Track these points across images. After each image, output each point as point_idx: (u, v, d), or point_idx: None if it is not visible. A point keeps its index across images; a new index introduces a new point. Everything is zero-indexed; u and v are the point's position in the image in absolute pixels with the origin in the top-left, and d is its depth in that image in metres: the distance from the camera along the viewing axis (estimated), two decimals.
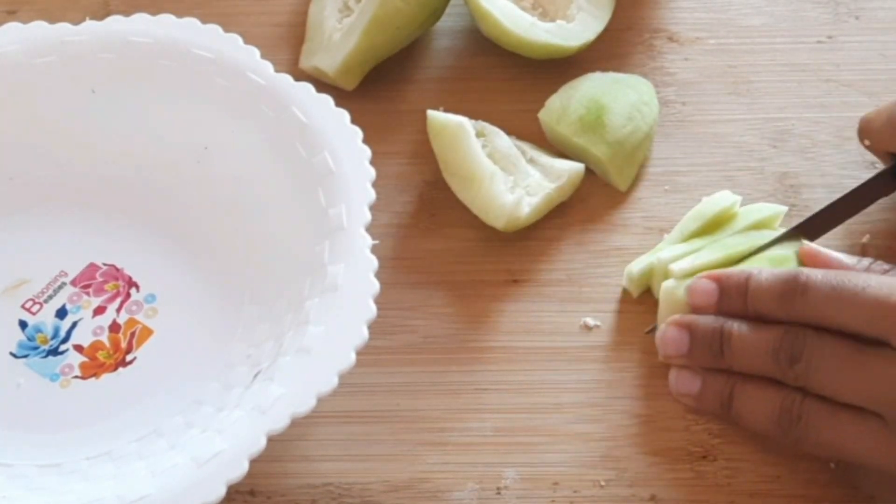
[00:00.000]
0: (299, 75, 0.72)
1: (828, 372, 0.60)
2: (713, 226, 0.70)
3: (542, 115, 0.74)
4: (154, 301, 0.68)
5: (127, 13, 0.73)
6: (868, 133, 0.70)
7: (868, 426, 0.59)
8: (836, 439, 0.60)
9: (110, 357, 0.67)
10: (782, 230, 0.69)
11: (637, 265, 0.69)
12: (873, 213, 0.72)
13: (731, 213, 0.70)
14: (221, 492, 0.57)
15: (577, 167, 0.72)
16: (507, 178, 0.71)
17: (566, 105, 0.74)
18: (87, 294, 0.68)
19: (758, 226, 0.69)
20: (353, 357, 0.60)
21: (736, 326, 0.63)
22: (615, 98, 0.74)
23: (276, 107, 0.69)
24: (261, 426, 0.58)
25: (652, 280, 0.69)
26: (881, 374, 0.59)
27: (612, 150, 0.73)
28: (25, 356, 0.67)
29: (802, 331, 0.61)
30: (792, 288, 0.61)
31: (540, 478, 0.64)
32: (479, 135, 0.72)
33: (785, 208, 0.71)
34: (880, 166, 0.73)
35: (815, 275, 0.61)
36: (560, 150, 0.75)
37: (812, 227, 0.68)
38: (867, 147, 0.70)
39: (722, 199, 0.70)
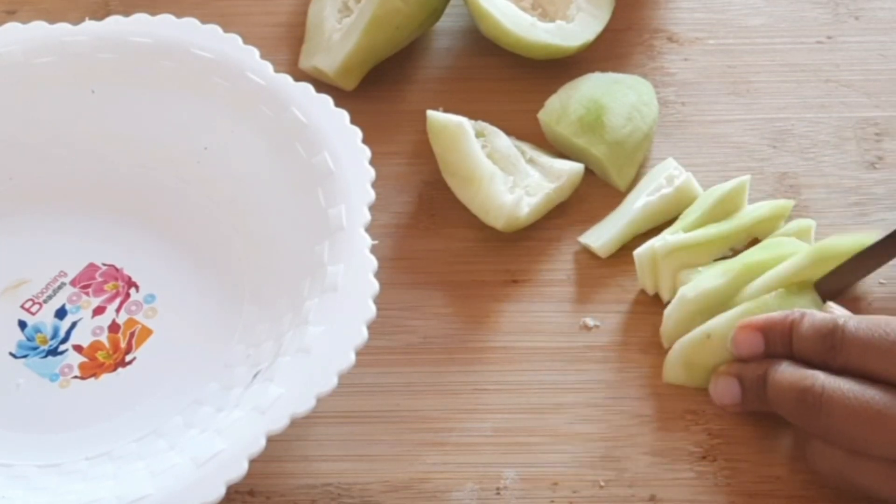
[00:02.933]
0: (299, 75, 0.72)
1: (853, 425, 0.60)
2: (717, 215, 0.70)
3: (542, 115, 0.74)
4: (153, 301, 0.68)
5: (127, 13, 0.73)
6: None
7: (889, 470, 0.59)
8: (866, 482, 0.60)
9: (110, 357, 0.67)
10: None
11: (640, 250, 0.69)
12: (872, 212, 0.72)
13: (737, 201, 0.70)
14: (221, 492, 0.57)
15: (576, 167, 0.72)
16: (507, 178, 0.71)
17: (566, 105, 0.74)
18: (87, 294, 0.69)
19: (762, 221, 0.70)
20: (352, 357, 0.60)
21: (780, 370, 0.63)
22: (615, 98, 0.74)
23: (276, 107, 0.69)
24: (260, 426, 0.58)
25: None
26: None
27: (612, 151, 0.73)
28: (25, 356, 0.67)
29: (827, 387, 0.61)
30: (832, 345, 0.61)
31: (540, 478, 0.64)
32: (478, 135, 0.72)
33: (791, 202, 0.71)
34: (880, 166, 0.73)
35: (850, 325, 0.61)
36: (560, 150, 0.75)
37: (830, 284, 0.67)
38: None
39: (726, 185, 0.71)
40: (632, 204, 0.72)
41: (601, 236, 0.71)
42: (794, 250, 0.68)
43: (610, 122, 0.73)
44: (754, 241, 0.70)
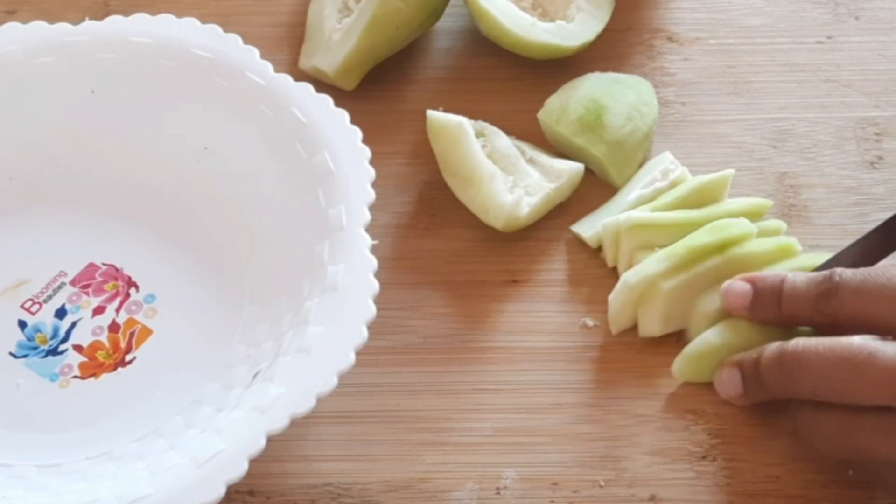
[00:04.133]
0: (299, 75, 0.72)
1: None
2: (693, 202, 0.70)
3: (542, 115, 0.74)
4: (153, 301, 0.68)
5: (127, 13, 0.73)
6: None
7: (883, 418, 0.59)
8: (862, 440, 0.60)
9: (110, 357, 0.67)
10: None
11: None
12: (872, 212, 0.72)
13: (716, 193, 0.71)
14: (221, 492, 0.57)
15: (576, 167, 0.72)
16: (507, 178, 0.71)
17: (566, 105, 0.74)
18: (87, 294, 0.68)
19: (735, 215, 0.69)
20: (352, 357, 0.60)
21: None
22: (614, 98, 0.74)
23: (276, 107, 0.69)
24: (260, 426, 0.58)
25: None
26: None
27: (612, 150, 0.73)
28: (25, 356, 0.67)
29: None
30: (826, 288, 0.62)
31: (540, 478, 0.64)
32: (478, 135, 0.72)
33: (770, 202, 0.71)
34: (880, 166, 0.73)
35: (846, 272, 0.62)
36: (559, 149, 0.75)
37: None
38: None
39: (709, 175, 0.71)
40: (626, 196, 0.72)
41: (593, 226, 0.71)
42: (742, 233, 0.67)
43: (610, 121, 0.73)
44: None
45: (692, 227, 0.69)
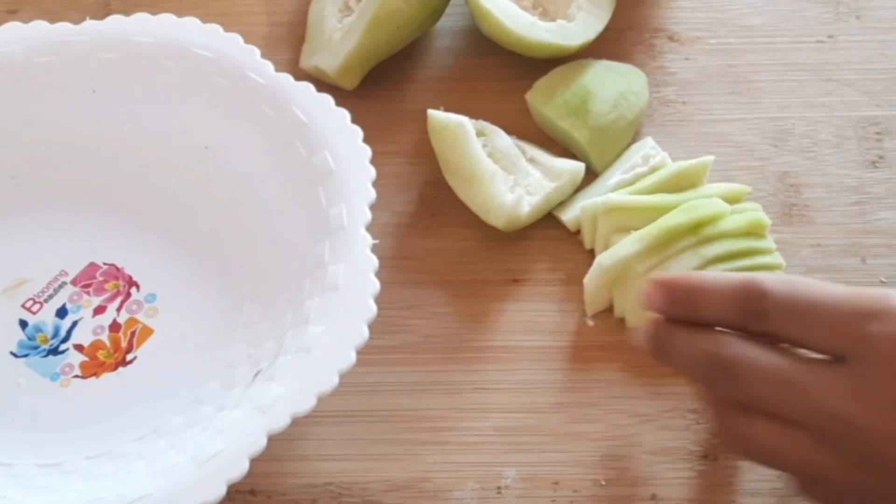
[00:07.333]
0: (299, 75, 0.72)
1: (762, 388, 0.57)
2: (671, 187, 0.70)
3: (529, 96, 0.75)
4: (154, 300, 0.68)
5: (127, 13, 0.73)
6: None
7: (803, 436, 0.57)
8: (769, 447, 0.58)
9: (110, 356, 0.67)
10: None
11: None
12: (872, 212, 0.72)
13: (694, 179, 0.71)
14: (222, 491, 0.57)
15: (577, 167, 0.72)
16: (508, 177, 0.71)
17: (553, 88, 0.74)
18: (88, 293, 0.68)
19: (720, 198, 0.69)
20: (353, 356, 0.60)
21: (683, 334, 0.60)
22: (602, 85, 0.74)
23: (277, 106, 0.69)
24: (261, 425, 0.58)
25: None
26: (823, 389, 0.56)
27: (594, 136, 0.73)
28: (26, 356, 0.67)
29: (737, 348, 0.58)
30: (754, 310, 0.57)
31: (540, 477, 0.64)
32: (479, 134, 0.72)
33: (748, 188, 0.71)
34: (881, 165, 0.73)
35: (769, 284, 0.57)
36: (545, 132, 0.75)
37: None
38: None
39: (689, 161, 0.71)
40: (606, 181, 0.72)
41: (572, 210, 0.71)
42: (714, 212, 0.67)
43: (595, 107, 0.73)
44: None
45: (668, 209, 0.68)
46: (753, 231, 0.68)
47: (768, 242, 0.68)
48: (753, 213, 0.68)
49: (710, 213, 0.67)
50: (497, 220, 0.70)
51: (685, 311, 0.59)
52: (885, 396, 0.55)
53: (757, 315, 0.57)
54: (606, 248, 0.69)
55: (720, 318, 0.59)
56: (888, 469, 0.56)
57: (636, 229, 0.68)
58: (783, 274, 0.67)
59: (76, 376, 0.66)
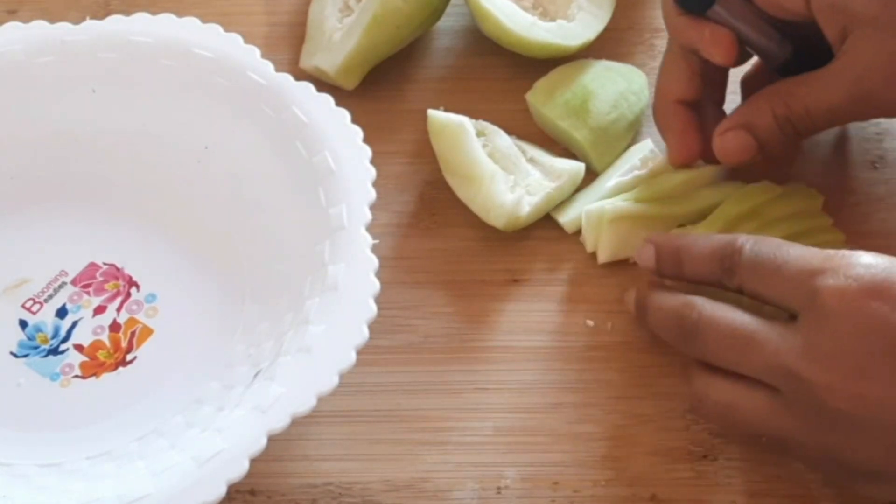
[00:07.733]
0: (300, 75, 0.72)
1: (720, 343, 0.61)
2: (679, 194, 0.71)
3: (530, 96, 0.75)
4: (154, 300, 0.68)
5: (127, 13, 0.73)
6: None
7: (762, 395, 0.59)
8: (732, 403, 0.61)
9: (110, 356, 0.67)
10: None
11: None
12: (872, 212, 0.72)
13: (698, 183, 0.72)
14: (222, 491, 0.57)
15: (577, 167, 0.72)
16: (508, 177, 0.71)
17: (553, 88, 0.74)
18: (88, 293, 0.69)
19: (716, 205, 0.70)
20: (353, 356, 0.60)
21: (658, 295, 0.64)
22: (602, 85, 0.74)
23: (277, 106, 0.69)
24: (261, 425, 0.58)
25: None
26: (779, 346, 0.59)
27: (594, 136, 0.73)
28: (26, 356, 0.67)
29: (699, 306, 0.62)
30: (728, 266, 0.62)
31: (540, 477, 0.64)
32: (479, 134, 0.72)
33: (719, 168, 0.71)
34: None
35: (746, 245, 0.61)
36: (545, 132, 0.75)
37: None
38: None
39: (693, 170, 0.72)
40: (604, 183, 0.72)
41: (570, 212, 0.71)
42: (711, 201, 0.69)
43: (595, 107, 0.73)
44: None
45: (675, 220, 0.70)
46: (808, 210, 0.69)
47: (824, 219, 0.69)
48: (805, 191, 0.70)
49: (764, 198, 0.69)
50: (497, 220, 0.70)
51: (672, 269, 0.65)
52: (828, 348, 0.57)
53: (729, 271, 0.61)
54: (612, 254, 0.69)
55: (701, 274, 0.63)
56: (838, 423, 0.57)
57: (643, 237, 0.68)
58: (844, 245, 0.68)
59: (76, 376, 0.66)
